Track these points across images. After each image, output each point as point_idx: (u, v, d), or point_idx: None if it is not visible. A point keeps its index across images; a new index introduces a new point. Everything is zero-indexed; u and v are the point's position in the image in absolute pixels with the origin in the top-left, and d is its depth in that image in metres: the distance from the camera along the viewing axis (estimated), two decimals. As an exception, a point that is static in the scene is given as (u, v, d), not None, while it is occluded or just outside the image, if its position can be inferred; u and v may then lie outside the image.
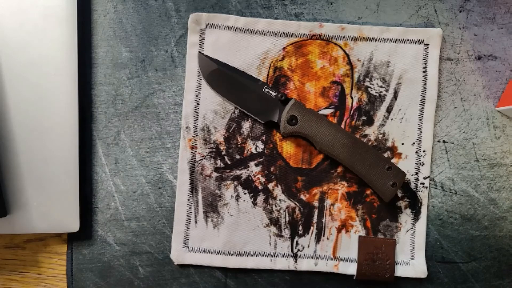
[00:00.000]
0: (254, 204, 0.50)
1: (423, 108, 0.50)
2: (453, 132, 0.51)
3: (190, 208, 0.50)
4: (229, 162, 0.50)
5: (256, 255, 0.50)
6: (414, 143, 0.50)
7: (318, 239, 0.50)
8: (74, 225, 0.49)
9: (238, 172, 0.50)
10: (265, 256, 0.50)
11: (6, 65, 0.48)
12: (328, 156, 0.50)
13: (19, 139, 0.48)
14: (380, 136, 0.50)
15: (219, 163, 0.50)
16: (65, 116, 0.48)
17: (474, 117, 0.51)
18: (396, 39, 0.50)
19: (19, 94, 0.48)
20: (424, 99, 0.50)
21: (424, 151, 0.50)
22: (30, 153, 0.48)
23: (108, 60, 0.51)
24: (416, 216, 0.50)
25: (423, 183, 0.50)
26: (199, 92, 0.50)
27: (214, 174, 0.50)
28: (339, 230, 0.50)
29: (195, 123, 0.50)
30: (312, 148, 0.50)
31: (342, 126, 0.50)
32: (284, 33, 0.50)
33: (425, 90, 0.50)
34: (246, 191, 0.50)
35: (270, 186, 0.50)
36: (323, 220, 0.50)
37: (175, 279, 0.51)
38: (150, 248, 0.51)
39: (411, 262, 0.50)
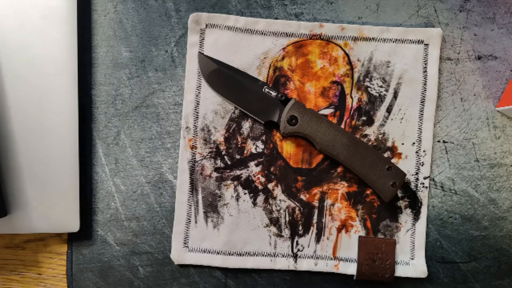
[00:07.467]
0: (254, 204, 0.50)
1: (423, 108, 0.50)
2: (453, 132, 0.51)
3: (190, 208, 0.50)
4: (229, 162, 0.50)
5: (256, 255, 0.50)
6: (414, 143, 0.50)
7: (318, 239, 0.50)
8: (74, 225, 0.49)
9: (238, 172, 0.50)
10: (265, 256, 0.50)
11: (6, 65, 0.48)
12: (328, 156, 0.50)
13: (19, 139, 0.48)
14: (380, 136, 0.50)
15: (219, 163, 0.50)
16: (65, 116, 0.48)
17: (474, 117, 0.51)
18: (396, 39, 0.50)
19: (19, 94, 0.48)
20: (424, 99, 0.50)
21: (424, 151, 0.50)
22: (30, 153, 0.48)
23: (108, 60, 0.51)
24: (416, 216, 0.50)
25: (423, 183, 0.50)
26: (199, 92, 0.50)
27: (214, 174, 0.50)
28: (339, 230, 0.50)
29: (195, 123, 0.50)
30: (312, 148, 0.50)
31: (342, 126, 0.50)
32: (284, 33, 0.50)
33: (425, 90, 0.50)
34: (246, 191, 0.50)
35: (270, 186, 0.50)
36: (323, 220, 0.50)
37: (175, 279, 0.51)
38: (150, 248, 0.51)
39: (411, 262, 0.50)
